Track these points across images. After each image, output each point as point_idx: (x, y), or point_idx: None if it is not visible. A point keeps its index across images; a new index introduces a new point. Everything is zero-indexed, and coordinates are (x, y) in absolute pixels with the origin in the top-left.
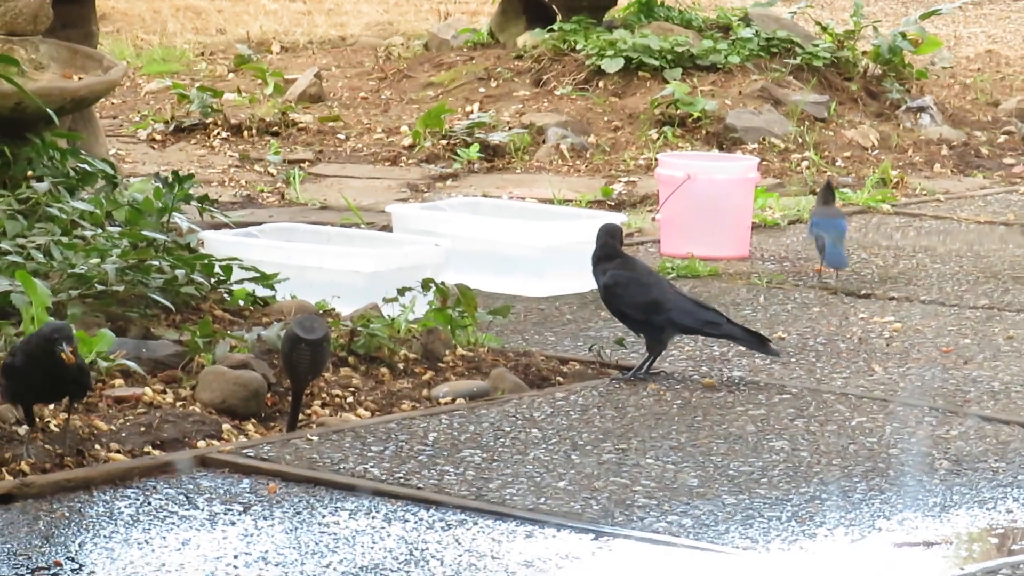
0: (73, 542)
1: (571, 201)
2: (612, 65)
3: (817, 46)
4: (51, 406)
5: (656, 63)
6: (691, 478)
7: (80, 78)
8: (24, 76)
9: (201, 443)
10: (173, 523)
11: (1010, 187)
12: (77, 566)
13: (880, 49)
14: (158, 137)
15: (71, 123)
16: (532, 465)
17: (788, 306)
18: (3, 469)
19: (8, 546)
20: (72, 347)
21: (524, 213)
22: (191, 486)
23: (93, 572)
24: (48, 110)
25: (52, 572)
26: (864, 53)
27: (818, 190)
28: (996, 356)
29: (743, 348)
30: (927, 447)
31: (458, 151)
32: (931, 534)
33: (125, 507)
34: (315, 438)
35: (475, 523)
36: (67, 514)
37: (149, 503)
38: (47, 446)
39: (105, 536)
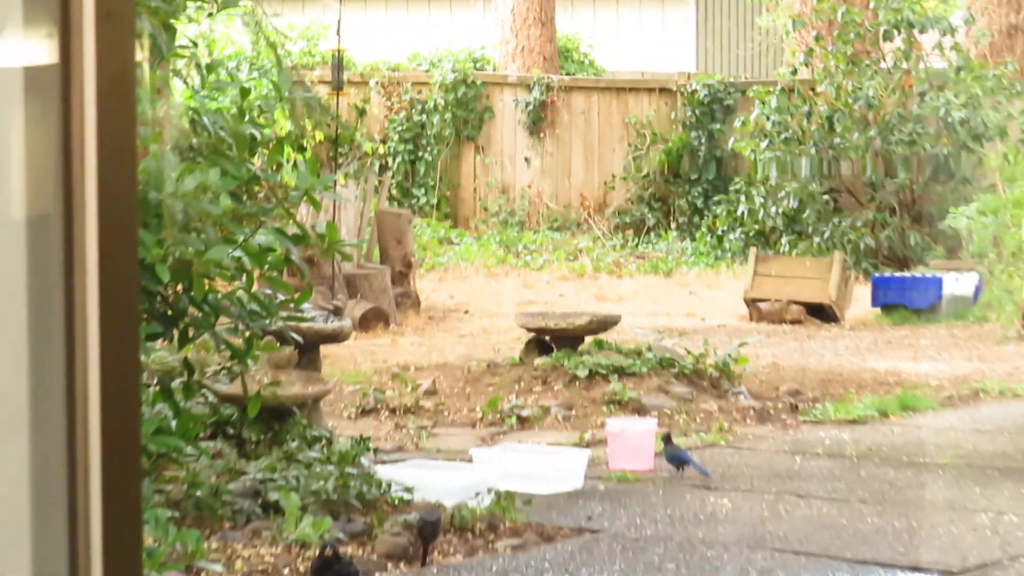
0: None
1: (563, 443)
2: (583, 373)
3: (686, 362)
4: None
5: (606, 372)
6: None
7: (310, 388)
8: (282, 388)
9: None
10: None
11: (785, 430)
12: None
13: (718, 363)
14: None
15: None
16: None
17: (674, 501)
18: None
19: None
20: None
21: (539, 451)
22: None
23: None
24: (294, 406)
25: None
26: (710, 364)
27: (663, 438)
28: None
29: None
30: None
31: (506, 420)
32: None
33: None
34: None
35: None
36: None
37: None
38: None
39: None
